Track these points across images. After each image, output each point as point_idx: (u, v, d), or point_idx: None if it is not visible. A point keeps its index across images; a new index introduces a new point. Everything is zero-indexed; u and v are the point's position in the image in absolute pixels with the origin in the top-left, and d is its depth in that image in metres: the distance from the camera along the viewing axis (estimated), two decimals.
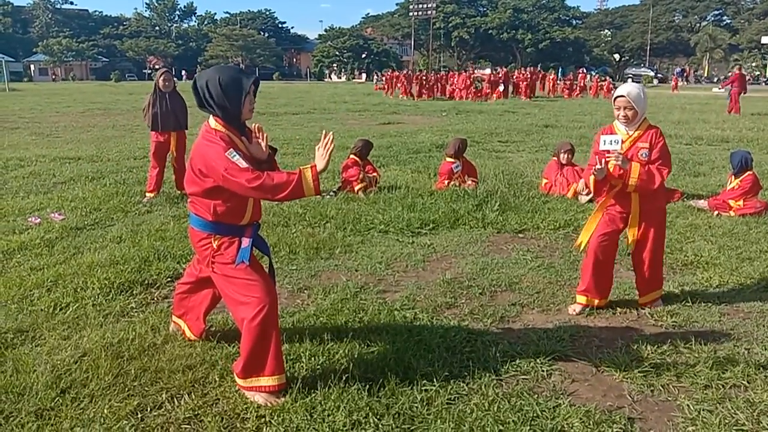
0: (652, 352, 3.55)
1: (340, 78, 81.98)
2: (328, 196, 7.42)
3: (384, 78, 38.41)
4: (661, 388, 3.20)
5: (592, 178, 4.06)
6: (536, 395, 3.11)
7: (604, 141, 3.98)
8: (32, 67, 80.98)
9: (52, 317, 4.02)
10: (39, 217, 6.55)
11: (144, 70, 79.17)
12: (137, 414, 2.93)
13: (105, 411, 2.93)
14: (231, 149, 2.87)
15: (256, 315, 2.91)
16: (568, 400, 3.06)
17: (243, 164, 2.83)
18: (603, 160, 3.94)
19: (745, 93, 23.00)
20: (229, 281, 3.03)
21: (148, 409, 2.97)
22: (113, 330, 3.80)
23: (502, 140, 13.75)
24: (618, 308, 4.26)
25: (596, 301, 4.21)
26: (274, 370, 3.00)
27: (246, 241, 3.07)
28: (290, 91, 39.71)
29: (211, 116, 3.01)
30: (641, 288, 4.29)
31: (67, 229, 6.08)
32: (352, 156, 7.95)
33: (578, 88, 36.28)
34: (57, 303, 4.23)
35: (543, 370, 3.37)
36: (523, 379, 3.29)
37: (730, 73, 24.17)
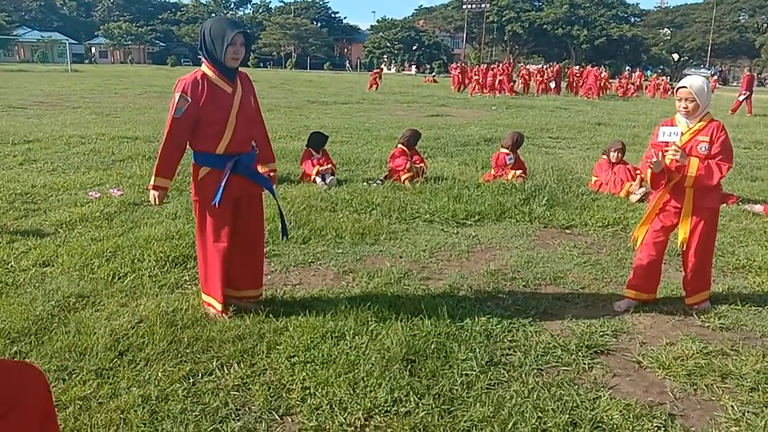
0: (696, 352, 3.51)
1: (390, 70, 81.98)
2: (375, 184, 7.50)
3: (457, 69, 34.34)
4: (704, 387, 3.17)
5: (648, 171, 3.98)
6: (576, 386, 3.13)
7: (663, 132, 3.94)
8: (93, 49, 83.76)
9: (111, 285, 4.23)
10: (99, 191, 6.84)
11: (199, 56, 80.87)
12: (189, 378, 3.08)
13: (159, 374, 3.09)
14: (185, 95, 3.42)
15: (205, 246, 3.70)
16: (609, 393, 3.06)
17: (172, 115, 3.47)
18: (660, 153, 3.87)
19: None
20: (200, 212, 3.67)
21: (200, 375, 3.12)
22: (168, 300, 3.98)
23: (552, 136, 13.59)
24: (664, 307, 4.21)
25: (644, 296, 4.17)
26: (218, 297, 3.72)
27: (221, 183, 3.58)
28: (340, 81, 40.00)
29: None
30: (688, 288, 4.20)
31: (125, 204, 6.35)
32: (399, 145, 8.01)
33: (634, 87, 35.29)
34: (115, 272, 4.44)
35: (584, 363, 3.38)
36: (564, 370, 3.31)
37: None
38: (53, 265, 4.61)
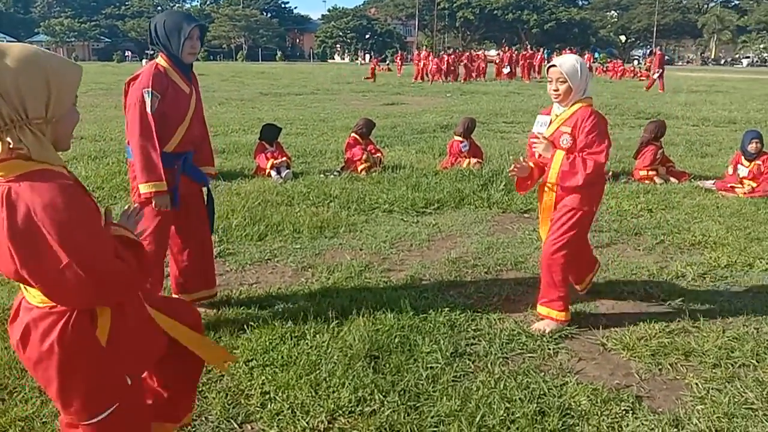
0: (659, 331, 3.51)
1: (344, 59, 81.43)
2: (332, 176, 7.36)
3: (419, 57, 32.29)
4: (669, 366, 3.17)
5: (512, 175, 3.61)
6: (543, 373, 3.08)
7: (537, 122, 3.50)
8: None
9: None
10: None
11: (147, 51, 78.82)
12: None
13: None
14: (154, 91, 3.18)
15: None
16: (575, 379, 3.03)
17: (145, 112, 3.18)
18: (523, 158, 3.54)
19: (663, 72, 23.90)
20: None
21: None
22: None
23: (507, 121, 13.65)
24: (625, 287, 4.21)
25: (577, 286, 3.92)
26: None
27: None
28: (293, 71, 39.46)
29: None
30: (538, 294, 3.68)
31: None
32: (352, 135, 7.87)
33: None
34: None
35: (549, 349, 3.34)
36: (529, 357, 3.26)
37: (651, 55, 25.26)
38: None
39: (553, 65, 3.34)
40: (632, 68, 36.42)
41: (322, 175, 7.40)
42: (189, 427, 2.59)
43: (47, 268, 1.47)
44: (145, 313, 1.89)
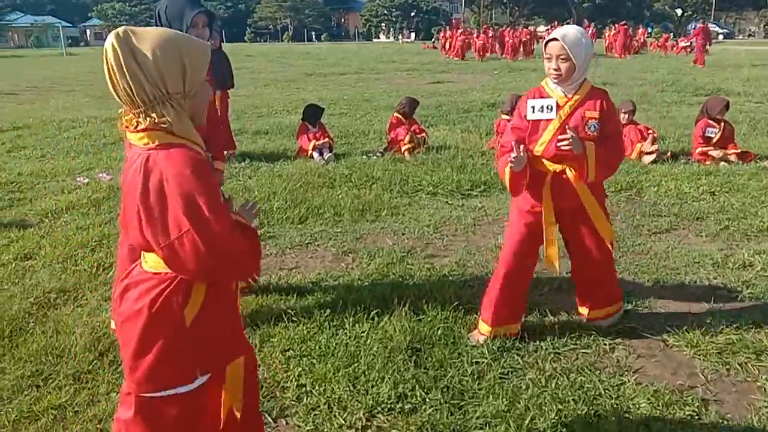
0: (726, 327, 3.22)
1: (389, 38, 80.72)
2: (374, 157, 7.18)
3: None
4: (738, 367, 2.90)
5: (507, 169, 2.87)
6: (598, 371, 2.86)
7: (533, 108, 2.90)
8: (88, 32, 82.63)
9: (95, 277, 3.97)
10: (87, 177, 6.56)
11: None
12: None
13: None
14: None
15: None
16: (634, 378, 2.80)
17: None
18: (520, 145, 2.85)
19: (709, 45, 22.74)
20: None
21: None
22: None
23: None
24: (686, 278, 3.92)
25: (502, 330, 3.11)
26: None
27: None
28: (338, 51, 39.27)
29: None
30: (588, 302, 3.29)
31: (114, 189, 6.06)
32: (395, 114, 7.66)
33: (638, 44, 34.29)
34: (100, 263, 4.18)
35: (605, 344, 3.10)
36: (583, 353, 3.04)
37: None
38: (35, 258, 4.36)
39: (554, 39, 2.79)
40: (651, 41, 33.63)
41: (364, 157, 7.23)
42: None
43: (168, 233, 1.57)
44: (236, 310, 1.88)
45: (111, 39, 1.56)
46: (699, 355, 3.00)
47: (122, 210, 1.70)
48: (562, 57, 2.78)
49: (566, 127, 2.84)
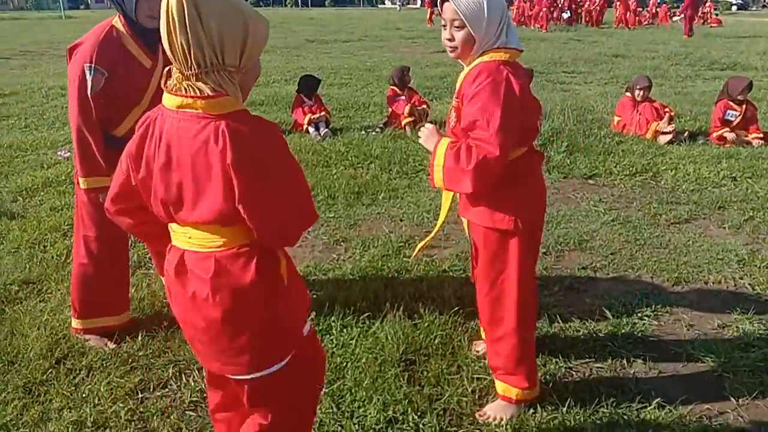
0: (758, 337, 2.89)
1: (395, 4, 79.14)
2: (374, 133, 6.78)
3: None
4: None
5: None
6: (615, 391, 2.53)
7: None
8: None
9: (64, 267, 3.64)
10: (69, 150, 6.19)
11: None
12: (137, 394, 2.53)
13: (101, 388, 2.53)
14: (99, 68, 2.48)
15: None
16: (656, 401, 2.46)
17: (85, 94, 2.50)
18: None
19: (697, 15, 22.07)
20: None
21: (150, 388, 2.56)
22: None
23: (567, 71, 12.62)
24: (709, 276, 3.57)
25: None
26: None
27: None
28: (343, 17, 38.34)
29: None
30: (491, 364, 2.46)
31: None
32: (390, 87, 7.22)
33: (649, 15, 33.07)
34: (70, 250, 3.83)
35: (622, 356, 2.77)
36: (597, 367, 2.71)
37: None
38: (2, 243, 4.02)
39: (446, 1, 2.07)
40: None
41: (363, 132, 6.82)
42: None
43: (267, 202, 1.48)
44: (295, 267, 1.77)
45: None
46: (728, 372, 2.66)
47: (170, 194, 1.51)
48: (455, 24, 2.07)
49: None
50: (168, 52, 1.45)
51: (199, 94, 1.44)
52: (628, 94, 7.11)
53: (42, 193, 4.97)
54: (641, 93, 6.92)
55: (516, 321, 2.27)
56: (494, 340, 2.36)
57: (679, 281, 3.50)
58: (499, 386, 2.39)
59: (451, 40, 2.11)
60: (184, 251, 1.59)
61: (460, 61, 2.20)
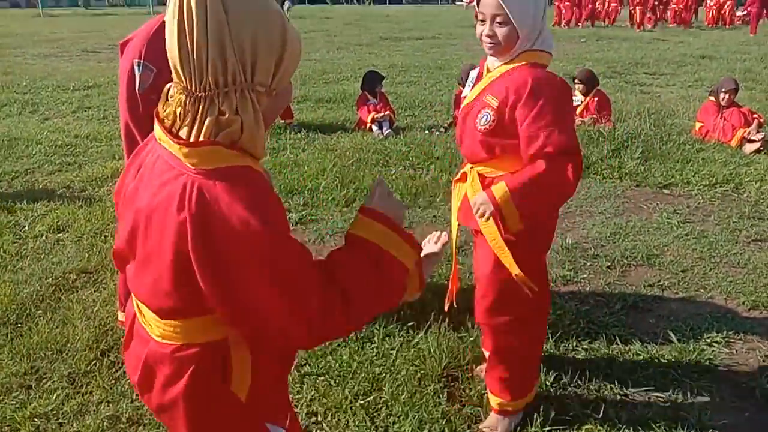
0: None
1: (461, 1, 78.21)
2: (437, 132, 6.64)
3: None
4: None
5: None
6: (674, 424, 2.31)
7: (470, 80, 2.24)
8: None
9: None
10: None
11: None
12: None
13: None
14: (148, 64, 2.35)
15: None
16: None
17: (134, 92, 2.36)
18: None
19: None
20: None
21: None
22: None
23: (649, 72, 12.02)
24: None
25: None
26: None
27: None
28: (420, 14, 38.21)
29: None
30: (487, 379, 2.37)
31: None
32: (459, 86, 7.05)
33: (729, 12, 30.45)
34: None
35: (686, 389, 2.53)
36: (656, 396, 2.49)
37: None
38: (67, 231, 4.17)
39: None
40: None
41: (426, 132, 6.69)
42: None
43: (247, 298, 1.09)
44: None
45: None
46: None
47: (122, 239, 1.23)
48: (498, 19, 1.91)
49: (463, 119, 2.12)
50: (172, 64, 1.10)
51: (186, 140, 1.10)
52: (712, 98, 6.65)
53: (110, 184, 5.13)
54: (726, 97, 6.45)
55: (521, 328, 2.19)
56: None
57: (757, 305, 3.20)
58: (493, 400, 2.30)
59: (491, 36, 1.94)
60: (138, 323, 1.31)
61: (494, 56, 2.04)
